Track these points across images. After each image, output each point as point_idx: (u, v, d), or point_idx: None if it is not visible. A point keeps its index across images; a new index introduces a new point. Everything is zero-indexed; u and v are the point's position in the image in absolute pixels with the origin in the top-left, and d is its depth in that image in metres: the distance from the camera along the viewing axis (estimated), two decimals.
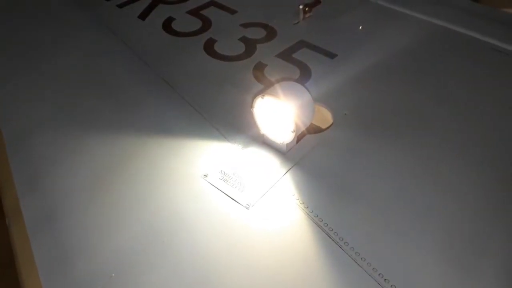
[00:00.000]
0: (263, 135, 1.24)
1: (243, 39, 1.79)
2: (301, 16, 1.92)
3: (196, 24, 1.92)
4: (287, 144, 1.19)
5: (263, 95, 1.11)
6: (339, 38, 1.79)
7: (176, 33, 1.88)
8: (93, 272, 0.99)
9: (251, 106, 1.19)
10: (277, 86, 1.11)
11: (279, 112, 1.12)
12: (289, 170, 1.17)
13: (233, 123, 1.34)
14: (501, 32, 1.75)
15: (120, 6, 2.10)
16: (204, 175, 1.17)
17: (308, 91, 1.14)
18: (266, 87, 1.16)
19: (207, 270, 0.96)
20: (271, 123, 1.19)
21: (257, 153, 1.23)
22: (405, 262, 0.95)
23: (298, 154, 1.21)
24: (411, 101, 1.44)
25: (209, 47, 1.75)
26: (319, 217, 1.03)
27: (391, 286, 0.89)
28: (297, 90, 1.13)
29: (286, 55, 1.67)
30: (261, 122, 1.21)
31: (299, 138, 1.24)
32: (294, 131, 1.13)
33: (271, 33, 1.83)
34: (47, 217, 1.12)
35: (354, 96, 1.46)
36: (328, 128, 1.32)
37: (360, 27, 1.88)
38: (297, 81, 1.48)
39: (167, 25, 1.93)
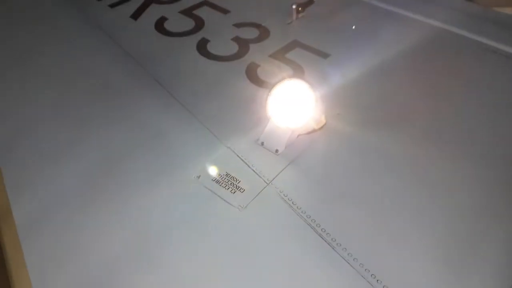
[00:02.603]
0: (269, 118, 1.21)
1: (236, 39, 1.78)
2: (294, 16, 1.91)
3: (189, 24, 1.91)
4: (290, 134, 1.20)
5: (290, 78, 1.16)
6: (332, 38, 1.79)
7: (168, 33, 1.87)
8: (84, 274, 0.98)
9: (270, 90, 1.17)
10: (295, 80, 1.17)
11: (302, 96, 1.15)
12: (281, 171, 1.16)
13: (226, 124, 1.33)
14: (495, 32, 1.76)
15: (112, 5, 2.08)
16: (197, 177, 1.16)
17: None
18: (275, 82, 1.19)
19: (199, 271, 0.96)
20: (285, 108, 1.17)
21: (250, 154, 1.22)
22: (398, 263, 0.95)
23: (291, 155, 1.21)
24: (405, 101, 1.45)
25: (202, 47, 1.74)
26: (311, 218, 1.03)
27: (383, 286, 0.89)
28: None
29: (279, 55, 1.67)
30: (272, 106, 1.18)
31: (291, 139, 1.23)
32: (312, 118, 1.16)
33: (264, 33, 1.83)
34: (38, 219, 1.11)
35: (347, 96, 1.45)
36: (321, 128, 1.32)
37: (353, 27, 1.88)
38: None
39: (159, 25, 1.92)
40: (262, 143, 1.24)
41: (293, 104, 1.16)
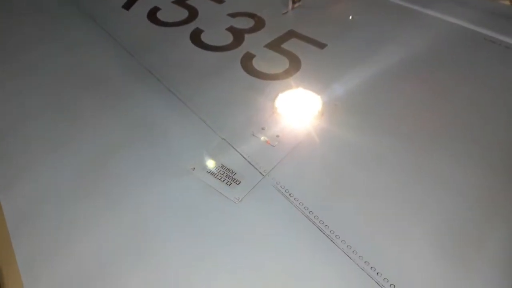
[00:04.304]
0: (276, 109, 1.32)
1: (231, 29, 1.75)
2: (290, 5, 1.88)
3: (182, 13, 1.87)
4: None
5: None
6: (329, 28, 1.77)
7: (161, 23, 1.83)
8: (77, 269, 0.95)
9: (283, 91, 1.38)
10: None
11: (310, 105, 1.33)
12: (278, 162, 1.14)
13: (221, 115, 1.30)
14: (495, 23, 1.74)
15: None
16: (192, 169, 1.13)
17: None
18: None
19: (194, 264, 0.93)
20: (294, 108, 1.34)
21: (245, 146, 1.20)
22: (398, 256, 0.93)
23: (287, 147, 1.18)
24: (403, 92, 1.42)
25: (195, 37, 1.71)
26: (309, 210, 1.01)
27: (383, 279, 0.88)
28: None
29: (275, 46, 1.64)
30: (281, 102, 1.34)
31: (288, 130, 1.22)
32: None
33: (259, 23, 1.80)
34: (28, 213, 1.07)
35: (344, 87, 1.43)
36: (318, 120, 1.30)
37: (350, 17, 1.85)
38: (287, 71, 1.50)
39: (152, 15, 1.88)
40: (263, 128, 1.24)
41: (300, 107, 1.34)
